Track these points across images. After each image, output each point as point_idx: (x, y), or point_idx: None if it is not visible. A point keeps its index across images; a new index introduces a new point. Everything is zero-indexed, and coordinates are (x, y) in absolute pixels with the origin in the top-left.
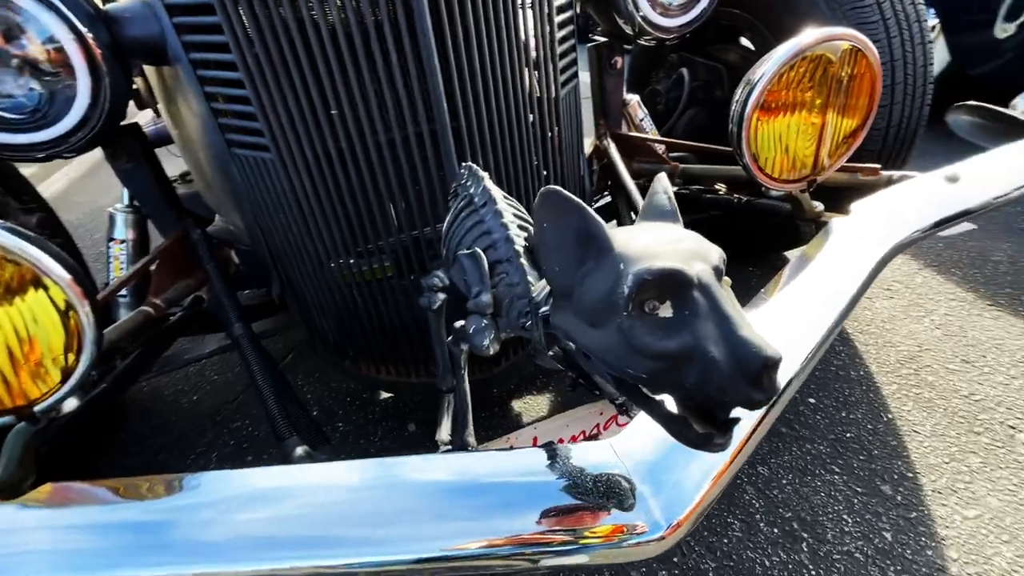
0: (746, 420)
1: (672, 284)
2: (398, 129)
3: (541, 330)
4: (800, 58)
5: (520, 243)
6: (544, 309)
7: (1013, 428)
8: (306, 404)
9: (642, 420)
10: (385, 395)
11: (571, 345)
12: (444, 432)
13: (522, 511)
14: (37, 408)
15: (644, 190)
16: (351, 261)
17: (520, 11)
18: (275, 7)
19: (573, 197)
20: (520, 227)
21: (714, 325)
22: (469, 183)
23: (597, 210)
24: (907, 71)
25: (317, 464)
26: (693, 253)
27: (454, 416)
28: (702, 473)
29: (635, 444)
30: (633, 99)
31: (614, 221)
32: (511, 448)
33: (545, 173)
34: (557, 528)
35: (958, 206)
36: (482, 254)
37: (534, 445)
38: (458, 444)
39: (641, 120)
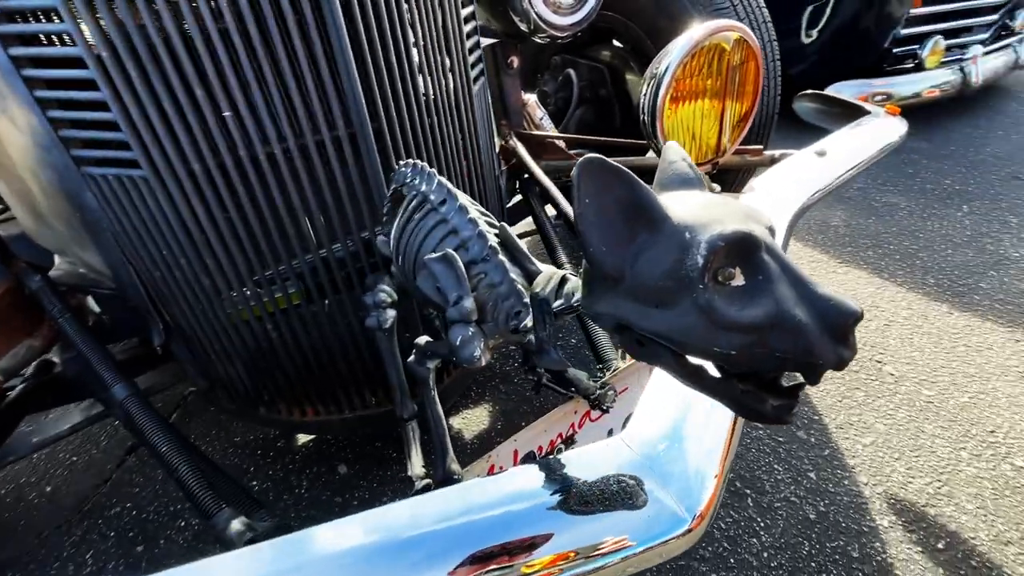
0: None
1: (743, 249)
2: (311, 134)
3: (549, 328)
4: (699, 48)
5: (493, 240)
6: (559, 303)
7: (879, 363)
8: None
9: (643, 412)
10: (304, 439)
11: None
12: (417, 465)
13: (547, 534)
14: None
15: (562, 188)
16: (258, 291)
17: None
18: None
19: (617, 164)
20: (488, 223)
21: (789, 287)
22: (417, 181)
23: (508, 211)
24: (766, 63)
25: (286, 536)
26: (748, 215)
27: (432, 445)
28: (707, 456)
29: (643, 439)
30: (531, 99)
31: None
32: (501, 469)
33: (467, 172)
34: (588, 544)
35: (833, 175)
36: (456, 256)
37: (515, 460)
38: (441, 476)
39: (541, 119)
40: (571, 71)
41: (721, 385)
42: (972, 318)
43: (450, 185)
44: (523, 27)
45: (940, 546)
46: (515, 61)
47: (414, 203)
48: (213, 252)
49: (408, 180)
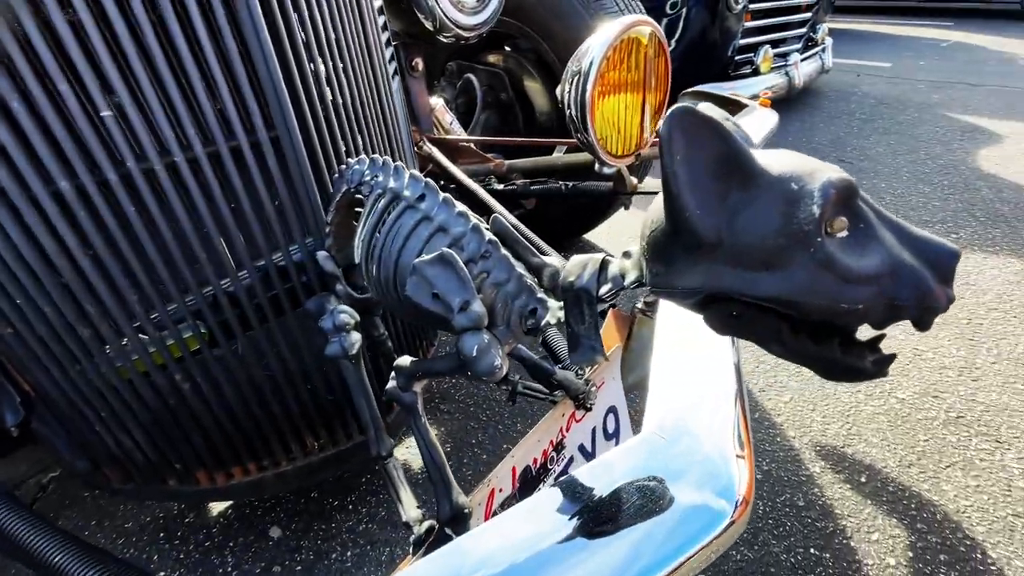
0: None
1: (848, 195)
2: (225, 139)
3: (590, 320)
4: (619, 41)
5: (490, 233)
6: (607, 288)
7: None
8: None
9: (652, 412)
10: (219, 507)
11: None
12: (411, 507)
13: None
14: None
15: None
16: (160, 333)
17: None
18: None
19: (709, 114)
20: (477, 217)
21: (890, 233)
22: (382, 178)
23: None
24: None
25: None
26: (823, 164)
27: (424, 479)
28: (722, 437)
29: (654, 437)
30: (439, 103)
31: None
32: (502, 491)
33: None
34: (627, 563)
35: None
36: (455, 255)
37: (514, 479)
38: (449, 513)
39: (451, 124)
40: (471, 76)
41: (818, 350)
42: None
43: (425, 178)
44: (428, 25)
45: (863, 480)
46: (419, 63)
47: (383, 203)
48: (94, 293)
49: (367, 179)
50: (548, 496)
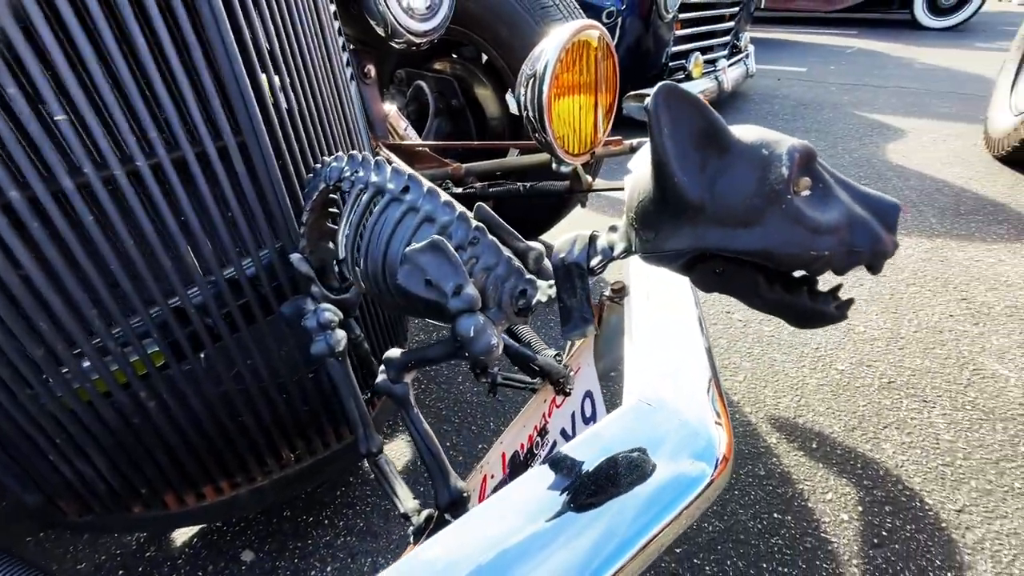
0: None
1: (809, 159)
2: (191, 145)
3: (582, 293)
4: (571, 43)
5: (476, 221)
6: (597, 260)
7: (729, 313)
8: None
9: (632, 387)
10: (183, 536)
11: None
12: (407, 499)
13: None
14: None
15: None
16: (122, 349)
17: None
18: None
19: (688, 92)
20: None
21: (840, 189)
22: (362, 172)
23: None
24: None
25: None
26: (784, 135)
27: (427, 468)
28: (696, 401)
29: (628, 409)
30: (392, 109)
31: None
32: (493, 477)
33: None
34: (621, 528)
35: None
36: (445, 241)
37: (504, 464)
38: (448, 498)
39: (405, 130)
40: (422, 83)
41: (791, 297)
42: None
43: (408, 169)
44: (380, 31)
45: (814, 446)
46: (372, 70)
47: (366, 197)
48: (48, 309)
49: (347, 174)
50: (540, 473)
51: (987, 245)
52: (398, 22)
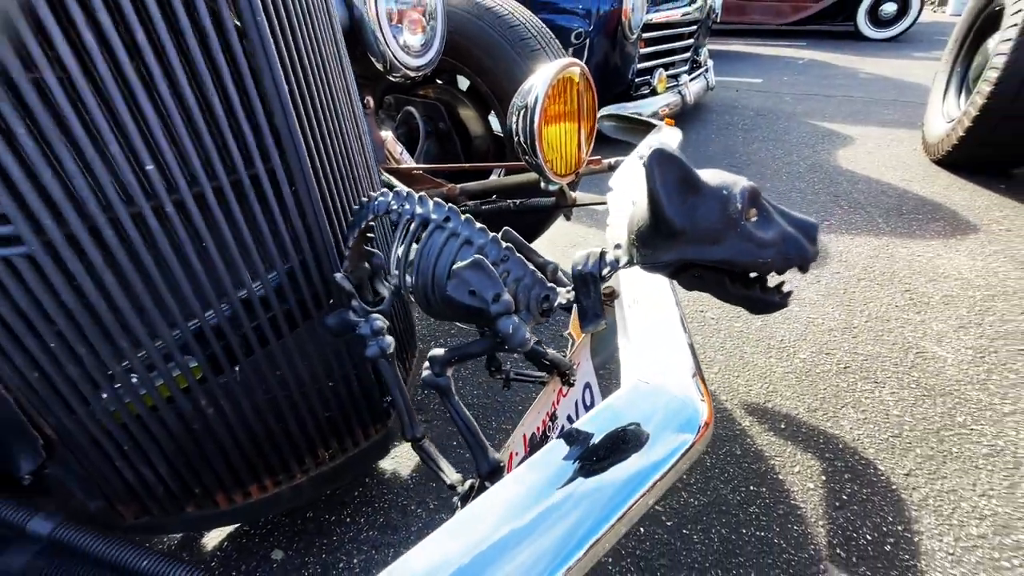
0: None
1: (755, 195)
2: (245, 169)
3: (595, 296)
4: (557, 79)
5: (504, 243)
6: (608, 270)
7: (702, 311)
8: None
9: (628, 374)
10: (213, 541)
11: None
12: (451, 473)
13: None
14: None
15: None
16: (187, 357)
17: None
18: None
19: (673, 152)
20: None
21: (778, 215)
22: (408, 206)
23: None
24: None
25: None
26: (738, 177)
27: (468, 445)
28: (678, 379)
29: (624, 394)
30: (388, 136)
31: None
32: (518, 455)
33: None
34: (620, 485)
35: None
36: (485, 260)
37: (525, 443)
38: (487, 468)
39: (400, 154)
40: (411, 109)
41: (748, 288)
42: None
43: (444, 203)
44: (379, 67)
45: (782, 426)
46: (370, 101)
47: (413, 226)
48: (126, 327)
49: (394, 207)
50: (556, 445)
51: (926, 241)
52: (396, 58)
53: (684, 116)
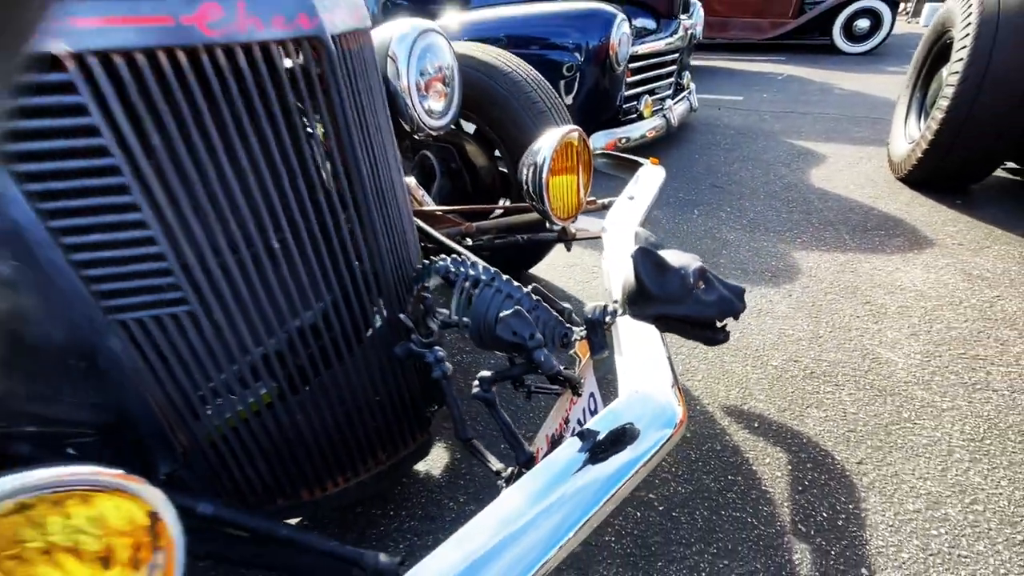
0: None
1: (704, 272)
2: (331, 216)
3: (601, 335)
4: (560, 144)
5: (534, 295)
6: (608, 318)
7: None
8: None
9: (624, 386)
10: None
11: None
12: (496, 463)
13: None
14: None
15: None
16: (290, 373)
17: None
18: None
19: (651, 249)
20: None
21: (718, 283)
22: (464, 269)
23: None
24: None
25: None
26: (693, 256)
27: (509, 443)
28: (661, 390)
29: (620, 404)
30: (411, 181)
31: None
32: (541, 451)
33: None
34: (620, 469)
35: (643, 208)
36: (523, 310)
37: (548, 442)
38: (524, 457)
39: (423, 197)
40: (427, 152)
41: (701, 331)
42: None
43: (489, 266)
44: (407, 127)
45: (756, 425)
46: (398, 155)
47: (467, 284)
48: (251, 357)
49: (452, 269)
50: (572, 442)
51: (887, 256)
52: (422, 121)
53: (669, 137)
